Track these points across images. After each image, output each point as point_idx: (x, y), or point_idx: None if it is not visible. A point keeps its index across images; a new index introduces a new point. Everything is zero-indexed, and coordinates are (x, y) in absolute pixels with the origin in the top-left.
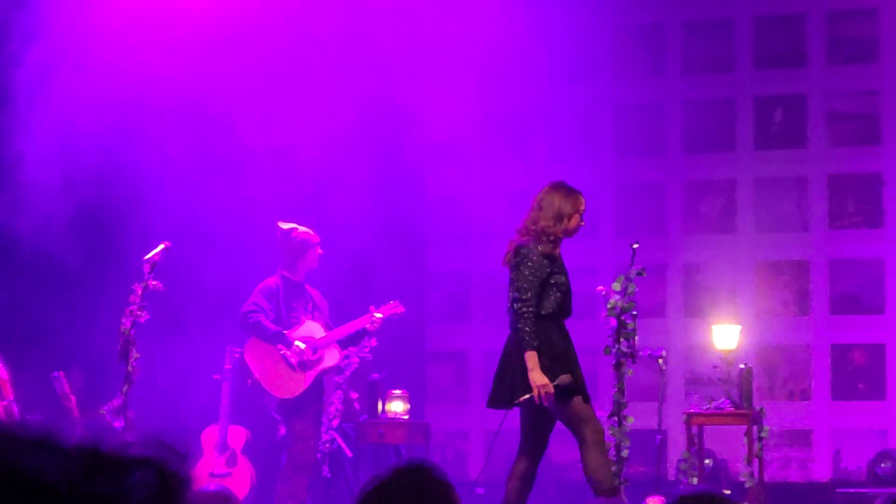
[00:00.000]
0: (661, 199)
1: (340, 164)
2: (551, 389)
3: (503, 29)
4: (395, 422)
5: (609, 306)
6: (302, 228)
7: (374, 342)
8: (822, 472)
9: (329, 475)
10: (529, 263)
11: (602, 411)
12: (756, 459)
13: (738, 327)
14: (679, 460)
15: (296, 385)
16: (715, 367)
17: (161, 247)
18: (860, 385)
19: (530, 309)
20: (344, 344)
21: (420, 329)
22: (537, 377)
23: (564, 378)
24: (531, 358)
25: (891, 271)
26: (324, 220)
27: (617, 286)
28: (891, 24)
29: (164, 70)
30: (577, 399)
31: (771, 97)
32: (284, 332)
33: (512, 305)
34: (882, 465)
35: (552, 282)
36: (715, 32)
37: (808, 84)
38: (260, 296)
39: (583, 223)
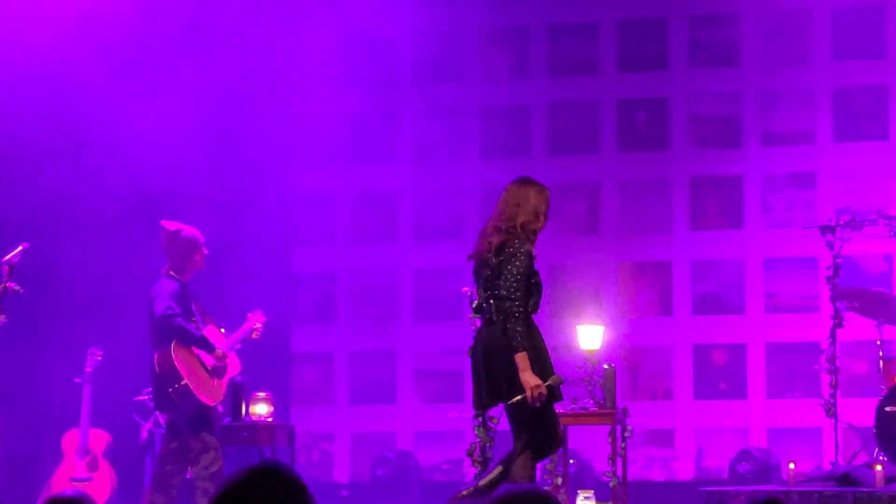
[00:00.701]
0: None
1: (203, 160)
2: (545, 390)
3: (369, 28)
4: (258, 424)
5: (475, 307)
6: (188, 228)
7: (237, 344)
8: (684, 470)
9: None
10: (518, 262)
11: (467, 412)
12: (620, 459)
13: (602, 328)
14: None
15: (218, 391)
16: (579, 367)
17: (19, 248)
18: (721, 385)
19: (521, 308)
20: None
21: (285, 330)
22: (530, 378)
23: (557, 379)
24: (523, 359)
25: (750, 272)
26: (183, 217)
27: None
28: (752, 28)
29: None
30: (552, 408)
31: (634, 100)
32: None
33: (499, 304)
34: (743, 463)
35: (533, 281)
36: (579, 35)
37: (671, 87)
38: (171, 299)
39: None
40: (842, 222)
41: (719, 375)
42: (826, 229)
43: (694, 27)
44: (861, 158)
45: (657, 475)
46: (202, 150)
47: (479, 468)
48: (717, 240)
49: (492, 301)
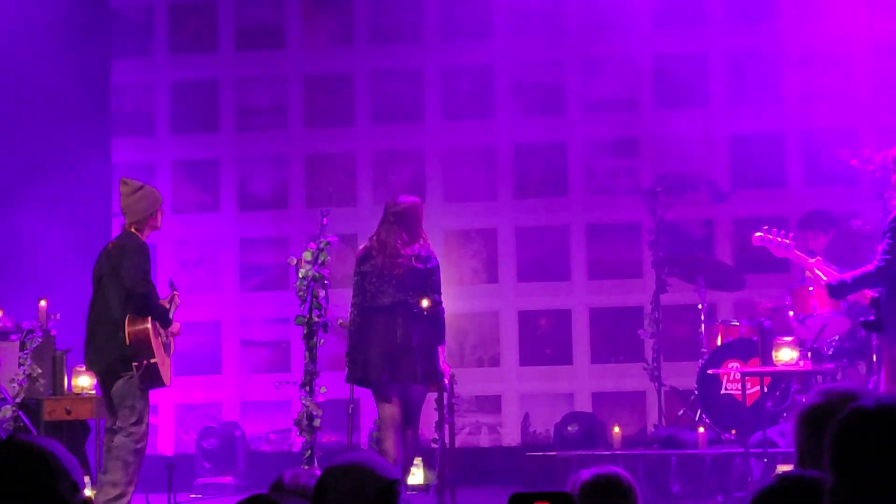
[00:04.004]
0: (352, 168)
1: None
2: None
3: None
4: (82, 397)
5: (300, 276)
6: (150, 186)
7: (57, 315)
8: (511, 436)
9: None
10: (437, 268)
11: (295, 381)
12: (447, 425)
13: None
14: (371, 429)
15: (169, 370)
16: None
17: None
18: (547, 350)
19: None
20: None
21: None
22: (446, 367)
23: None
24: (444, 351)
25: (574, 239)
26: None
27: (308, 256)
28: None
29: None
30: None
31: (458, 67)
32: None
33: (436, 303)
34: (569, 427)
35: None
36: (400, 3)
37: (494, 55)
38: (144, 258)
39: None
40: (664, 188)
41: (545, 341)
42: (648, 195)
43: None
44: (682, 125)
45: (484, 441)
46: None
47: (307, 437)
48: (541, 207)
49: (424, 299)
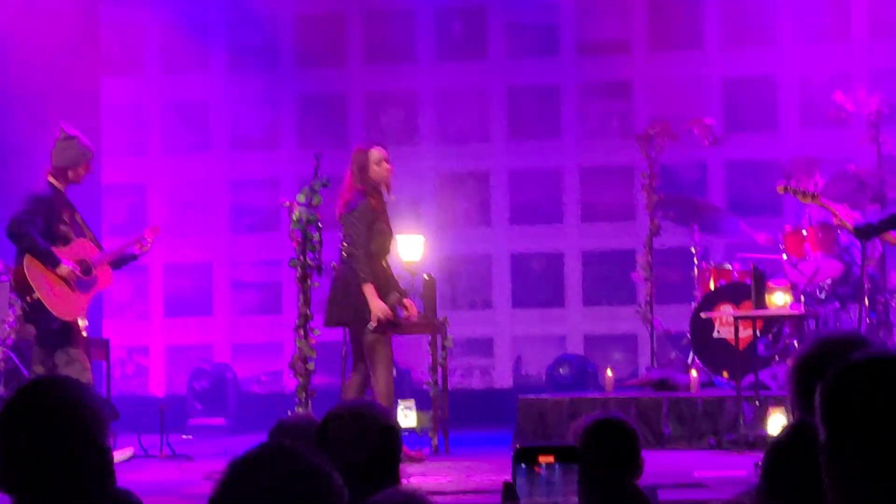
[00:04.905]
0: (343, 110)
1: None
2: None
3: None
4: None
5: (294, 218)
6: (84, 138)
7: (113, 257)
8: (503, 378)
9: (5, 395)
10: (353, 215)
11: (289, 324)
12: (440, 368)
13: (422, 238)
14: None
15: (76, 306)
16: (399, 278)
17: None
18: (539, 293)
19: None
20: (114, 266)
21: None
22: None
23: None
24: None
25: (567, 181)
26: None
27: (301, 198)
28: None
29: None
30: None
31: (451, 8)
32: (53, 249)
33: (346, 251)
34: (560, 370)
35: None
36: None
37: None
38: (31, 204)
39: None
40: (657, 131)
41: (537, 284)
42: (642, 138)
43: None
44: (677, 68)
45: (476, 383)
46: None
47: (301, 379)
48: (534, 150)
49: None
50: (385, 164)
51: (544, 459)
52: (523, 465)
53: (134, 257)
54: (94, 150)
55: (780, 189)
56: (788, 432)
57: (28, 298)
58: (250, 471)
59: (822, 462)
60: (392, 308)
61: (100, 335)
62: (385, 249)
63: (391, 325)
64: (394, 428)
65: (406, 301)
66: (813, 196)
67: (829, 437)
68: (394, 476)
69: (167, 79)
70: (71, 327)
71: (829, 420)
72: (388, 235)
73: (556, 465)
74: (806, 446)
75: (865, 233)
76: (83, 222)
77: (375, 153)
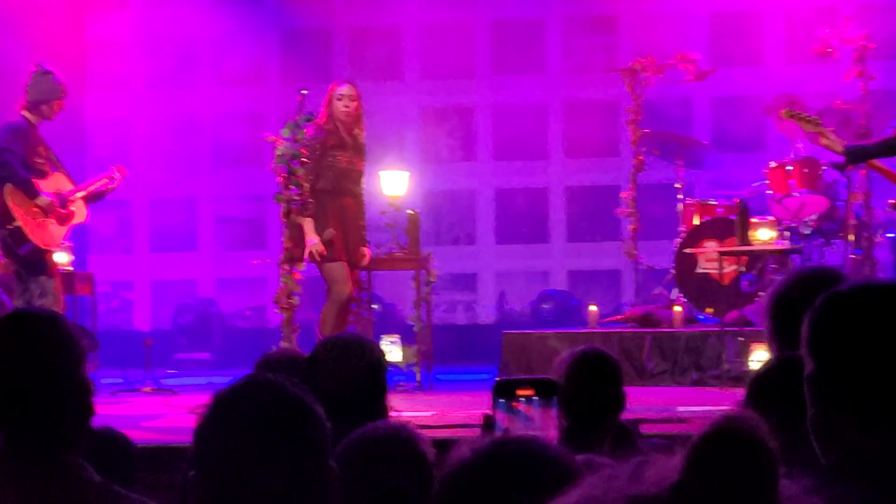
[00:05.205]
0: (328, 45)
1: None
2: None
3: None
4: (59, 272)
5: (278, 153)
6: (60, 75)
7: (86, 191)
8: (487, 313)
9: None
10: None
11: (271, 259)
12: (424, 303)
13: (406, 173)
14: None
15: (54, 237)
16: (383, 213)
17: None
18: (523, 228)
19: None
20: (88, 200)
21: (79, 179)
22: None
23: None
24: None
25: (552, 116)
26: None
27: (286, 133)
28: None
29: None
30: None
31: None
32: (33, 180)
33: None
34: (544, 305)
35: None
36: None
37: None
38: (10, 135)
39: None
40: (643, 66)
41: (521, 219)
42: (627, 73)
43: None
44: (662, 2)
45: (460, 318)
46: None
47: (285, 314)
48: (518, 85)
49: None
50: (345, 101)
51: (523, 393)
52: (502, 399)
53: (102, 195)
54: (67, 88)
55: (783, 114)
56: (770, 365)
57: (8, 226)
58: (234, 404)
59: (807, 394)
60: (326, 243)
61: (85, 270)
62: (338, 186)
63: (325, 260)
64: (381, 359)
65: (363, 249)
66: (816, 122)
67: (818, 368)
68: (381, 409)
69: (151, 13)
70: (42, 254)
71: (818, 350)
72: (342, 172)
73: (535, 399)
74: (787, 379)
75: (856, 155)
76: (55, 158)
77: (339, 90)
